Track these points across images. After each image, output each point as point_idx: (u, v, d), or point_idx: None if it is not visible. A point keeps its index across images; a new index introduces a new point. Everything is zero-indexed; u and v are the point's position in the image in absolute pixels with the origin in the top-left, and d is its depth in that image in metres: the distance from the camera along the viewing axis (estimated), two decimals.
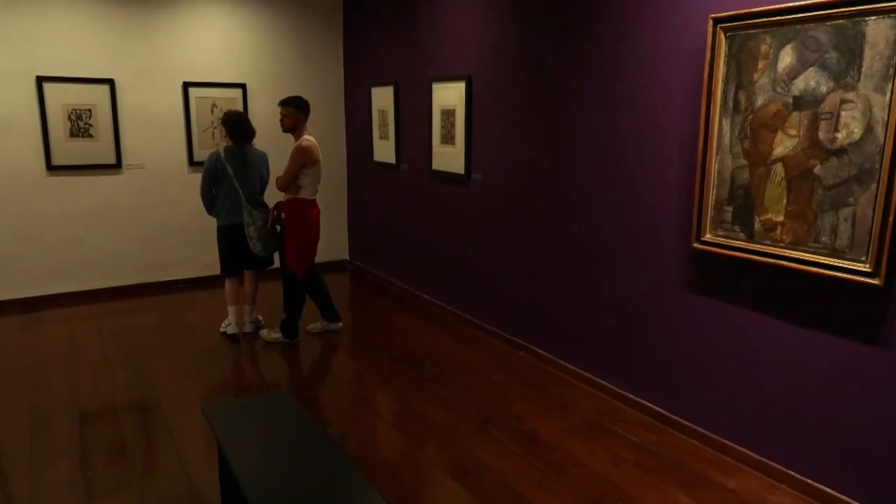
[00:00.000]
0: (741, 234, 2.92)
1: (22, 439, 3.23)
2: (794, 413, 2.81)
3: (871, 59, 2.37)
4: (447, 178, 5.06)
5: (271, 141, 5.23)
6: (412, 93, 5.44)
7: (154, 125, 5.71)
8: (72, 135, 5.38)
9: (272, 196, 4.63)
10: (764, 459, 2.94)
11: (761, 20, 2.69)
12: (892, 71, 2.32)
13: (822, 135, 2.56)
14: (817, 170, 2.59)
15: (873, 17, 2.35)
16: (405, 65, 5.51)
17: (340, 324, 4.87)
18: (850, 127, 2.47)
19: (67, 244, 5.51)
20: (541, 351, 4.27)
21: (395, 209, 5.95)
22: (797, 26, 2.59)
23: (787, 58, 2.64)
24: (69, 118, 5.35)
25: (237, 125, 4.51)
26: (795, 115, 2.64)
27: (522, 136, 4.22)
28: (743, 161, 2.87)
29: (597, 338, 3.82)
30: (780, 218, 2.75)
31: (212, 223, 4.73)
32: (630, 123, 3.43)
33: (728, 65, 2.86)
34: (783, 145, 2.70)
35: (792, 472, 2.83)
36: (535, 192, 4.16)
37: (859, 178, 2.46)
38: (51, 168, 5.34)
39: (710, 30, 2.88)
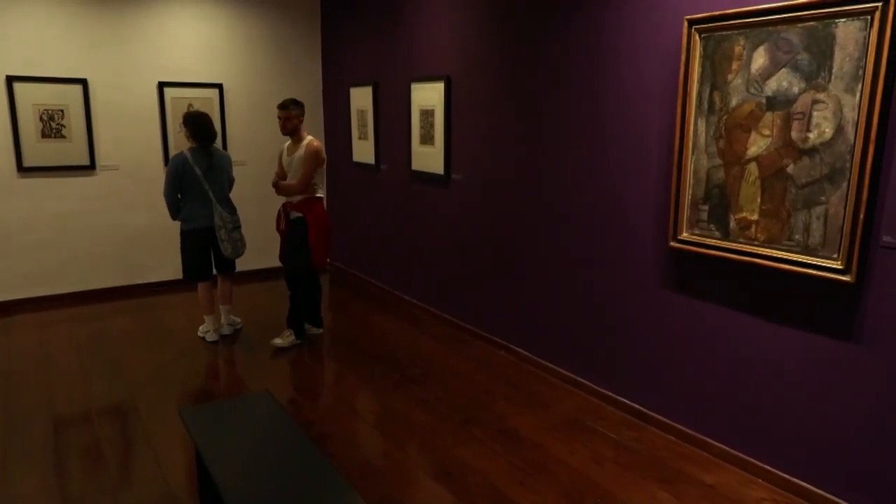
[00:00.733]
0: (717, 233, 2.96)
1: None
2: (770, 409, 2.86)
3: (842, 60, 2.42)
4: (427, 178, 5.06)
5: (245, 142, 5.16)
6: (391, 93, 5.42)
7: (128, 126, 5.63)
8: (44, 135, 5.28)
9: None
10: (741, 455, 2.98)
11: (735, 21, 2.73)
12: (861, 72, 2.37)
13: (794, 135, 2.61)
14: (790, 169, 2.64)
15: (843, 20, 2.40)
16: (384, 65, 5.49)
17: (322, 330, 4.83)
18: (822, 127, 2.51)
19: (40, 247, 5.40)
20: (521, 350, 4.29)
21: (375, 210, 5.93)
22: (770, 28, 2.63)
23: (760, 59, 2.69)
24: (41, 119, 5.25)
25: (201, 126, 4.38)
26: (769, 115, 2.68)
27: (501, 137, 4.23)
28: (718, 160, 2.91)
29: (576, 337, 3.85)
30: (755, 216, 2.79)
31: None
32: (608, 124, 3.46)
33: (703, 66, 2.90)
34: (757, 145, 2.75)
35: (768, 467, 2.88)
36: (514, 193, 4.17)
37: (831, 177, 2.51)
38: (22, 170, 5.23)
39: (685, 31, 2.91)
